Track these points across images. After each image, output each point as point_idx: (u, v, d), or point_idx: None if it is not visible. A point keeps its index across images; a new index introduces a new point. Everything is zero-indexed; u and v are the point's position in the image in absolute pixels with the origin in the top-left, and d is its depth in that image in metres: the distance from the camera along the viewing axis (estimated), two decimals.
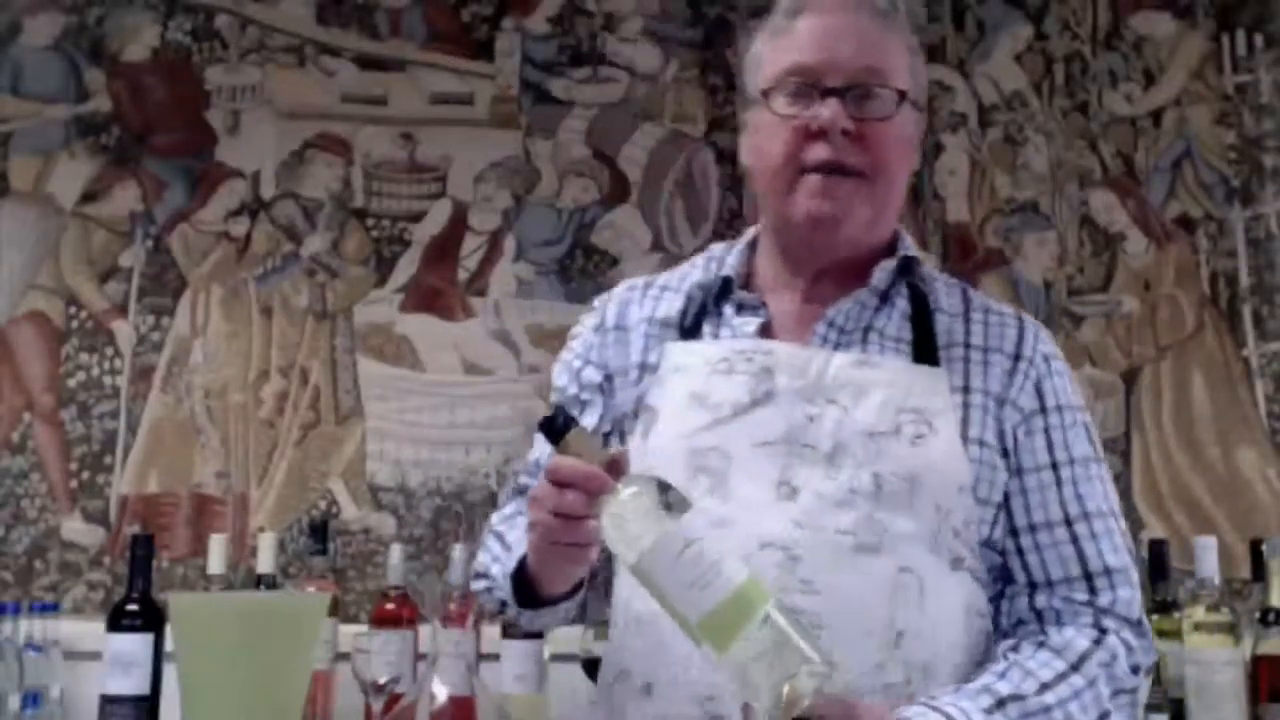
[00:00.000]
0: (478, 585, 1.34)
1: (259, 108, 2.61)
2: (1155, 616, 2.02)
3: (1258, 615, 2.05)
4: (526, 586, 1.22)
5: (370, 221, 2.59)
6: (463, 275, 2.58)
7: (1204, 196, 2.65)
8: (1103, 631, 1.20)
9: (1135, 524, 2.47)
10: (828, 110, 1.22)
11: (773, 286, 1.32)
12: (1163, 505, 2.50)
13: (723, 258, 1.35)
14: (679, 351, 1.29)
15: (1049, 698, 1.14)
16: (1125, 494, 2.50)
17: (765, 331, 1.28)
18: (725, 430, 1.21)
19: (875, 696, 1.12)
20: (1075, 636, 1.19)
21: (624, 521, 1.04)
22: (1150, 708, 1.91)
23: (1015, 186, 2.66)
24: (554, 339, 2.53)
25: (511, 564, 1.23)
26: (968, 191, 2.66)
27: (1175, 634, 2.01)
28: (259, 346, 2.52)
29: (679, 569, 1.01)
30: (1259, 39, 2.70)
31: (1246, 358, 2.57)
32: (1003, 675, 1.16)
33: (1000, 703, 1.13)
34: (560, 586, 1.20)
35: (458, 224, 2.60)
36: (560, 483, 1.06)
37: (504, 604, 1.29)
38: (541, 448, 1.36)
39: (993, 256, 2.63)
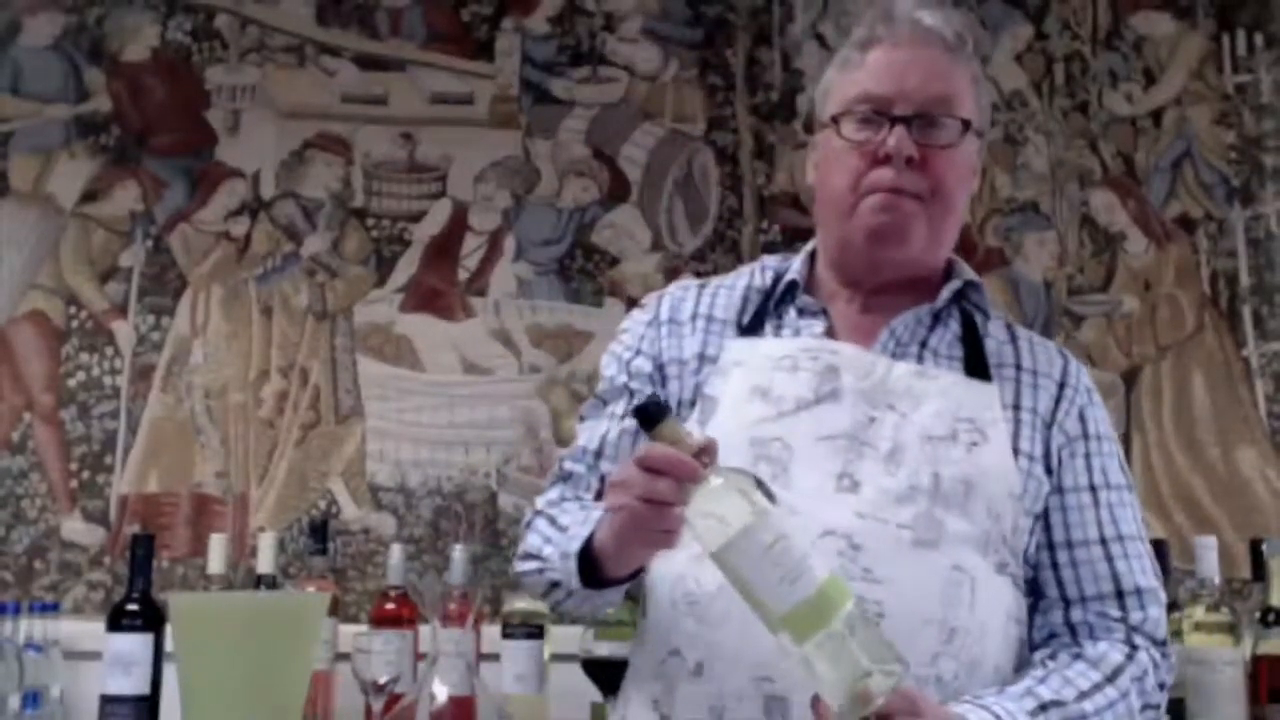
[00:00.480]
0: (525, 566, 1.34)
1: (259, 108, 2.61)
2: None
3: (1258, 615, 2.05)
4: (590, 567, 1.22)
5: (370, 221, 2.59)
6: (463, 275, 2.58)
7: (1204, 196, 2.65)
8: (1134, 647, 1.25)
9: None
10: (894, 137, 1.26)
11: (831, 298, 1.36)
12: (1163, 505, 2.50)
13: (778, 266, 1.40)
14: (740, 347, 1.32)
15: (1087, 706, 1.19)
16: None
17: (829, 335, 1.32)
18: (788, 423, 1.24)
19: (929, 687, 1.16)
20: (1109, 650, 1.24)
21: (712, 510, 1.06)
22: (1149, 706, 1.91)
23: (1015, 186, 2.66)
24: (554, 339, 2.53)
25: (574, 545, 1.23)
26: None
27: (1175, 634, 2.00)
28: (259, 346, 2.52)
29: (768, 562, 1.03)
30: (1259, 39, 2.70)
31: (1246, 358, 2.57)
32: (1043, 680, 1.20)
33: (1043, 706, 1.17)
34: (631, 567, 1.21)
35: (458, 224, 2.60)
36: (651, 469, 1.08)
37: (554, 584, 1.29)
38: (591, 436, 1.38)
39: (993, 256, 2.63)
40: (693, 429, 1.28)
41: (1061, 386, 1.32)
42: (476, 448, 2.49)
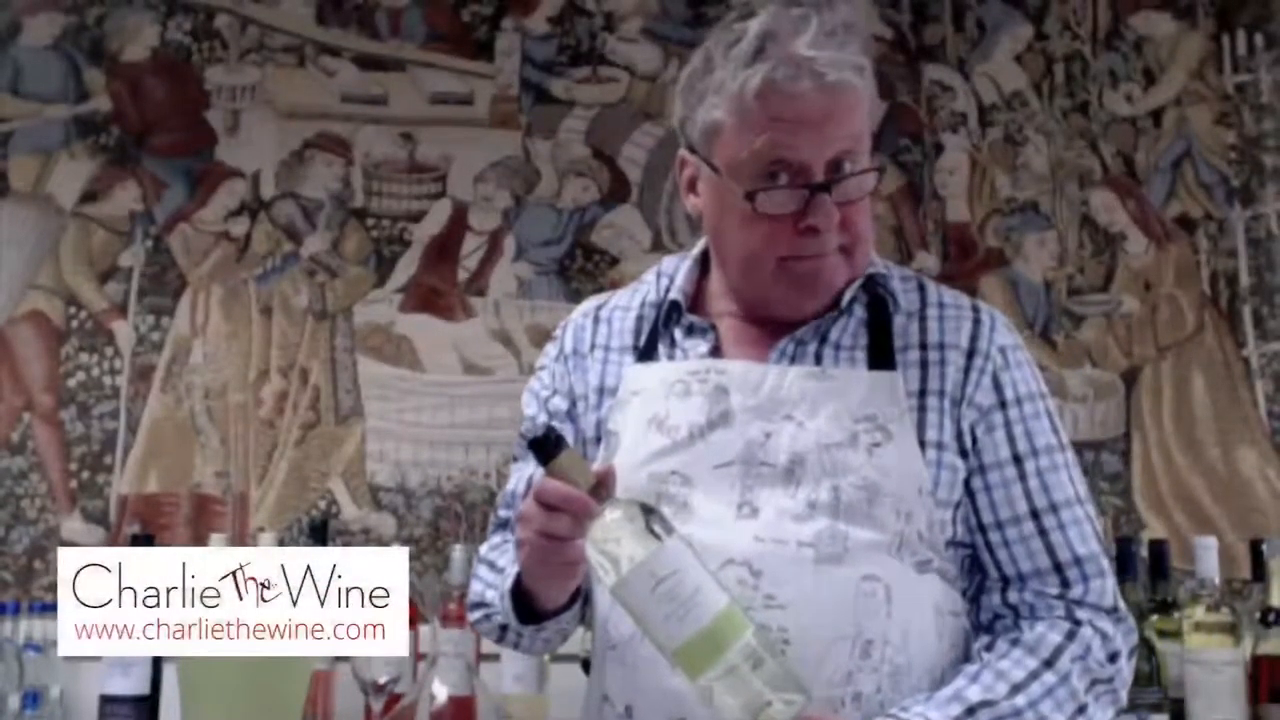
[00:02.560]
0: (475, 615, 1.35)
1: (259, 108, 2.61)
2: (1155, 616, 2.02)
3: (1258, 615, 2.04)
4: (524, 603, 1.23)
5: (370, 221, 2.59)
6: (463, 275, 2.58)
7: (1204, 196, 2.65)
8: (1076, 623, 1.20)
9: (1135, 524, 2.47)
10: (821, 211, 1.19)
11: (722, 308, 1.32)
12: (1163, 505, 2.50)
13: (672, 274, 1.35)
14: (636, 374, 1.29)
15: (1020, 700, 1.14)
16: (1125, 494, 2.50)
17: (716, 353, 1.28)
18: (684, 455, 1.21)
19: (846, 707, 1.13)
20: (1047, 632, 1.19)
21: (606, 545, 1.06)
22: (1150, 708, 1.91)
23: (1015, 186, 2.66)
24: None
25: (508, 584, 1.24)
26: (968, 191, 2.66)
27: (1175, 634, 2.01)
28: (259, 346, 2.52)
29: (656, 599, 1.03)
30: (1259, 39, 2.70)
31: (1246, 358, 2.57)
32: (975, 679, 1.16)
33: (970, 710, 1.13)
34: (556, 600, 1.21)
35: (458, 224, 2.60)
36: (547, 505, 1.08)
37: (504, 629, 1.29)
38: (519, 479, 1.37)
39: (993, 256, 2.63)
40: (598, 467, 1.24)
41: (970, 355, 1.24)
42: (476, 448, 2.49)
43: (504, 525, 1.40)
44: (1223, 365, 2.57)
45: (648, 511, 1.06)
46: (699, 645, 1.01)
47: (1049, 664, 1.17)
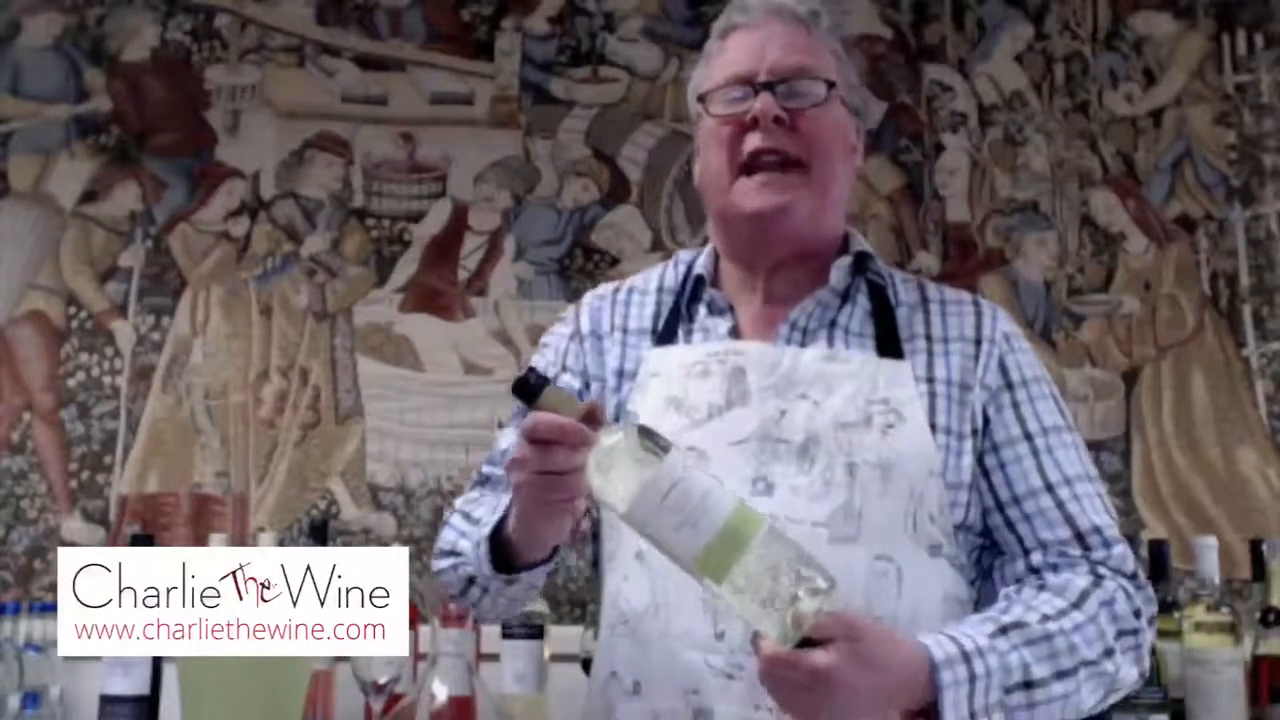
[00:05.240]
0: (442, 564, 1.33)
1: (259, 108, 2.61)
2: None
3: (1258, 615, 2.05)
4: (503, 553, 1.22)
5: (370, 221, 2.59)
6: (463, 275, 2.58)
7: (1204, 196, 2.65)
8: (1099, 577, 1.22)
9: (1135, 524, 2.47)
10: (759, 101, 1.27)
11: (736, 291, 1.35)
12: (1163, 505, 2.50)
13: (690, 260, 1.39)
14: (656, 357, 1.32)
15: (1052, 626, 1.16)
16: (1125, 494, 2.50)
17: (735, 333, 1.31)
18: (701, 431, 1.23)
19: None
20: (1073, 578, 1.21)
21: (608, 471, 1.04)
22: (1150, 708, 1.91)
23: (1015, 186, 2.66)
24: None
25: (485, 531, 1.23)
26: (968, 191, 2.65)
27: (1175, 634, 2.01)
28: (259, 346, 2.52)
29: (666, 512, 1.02)
30: (1259, 39, 2.70)
31: (1247, 358, 2.57)
32: (1005, 611, 1.18)
33: (1003, 629, 1.14)
34: (543, 548, 1.20)
35: (458, 224, 2.60)
36: (540, 440, 1.07)
37: (470, 581, 1.28)
38: (510, 439, 1.36)
39: (993, 256, 2.63)
40: None
41: (977, 344, 1.30)
42: (476, 448, 2.49)
43: (484, 482, 1.39)
44: (1223, 365, 2.57)
45: (643, 432, 1.05)
46: (718, 548, 1.00)
47: (1077, 605, 1.18)
